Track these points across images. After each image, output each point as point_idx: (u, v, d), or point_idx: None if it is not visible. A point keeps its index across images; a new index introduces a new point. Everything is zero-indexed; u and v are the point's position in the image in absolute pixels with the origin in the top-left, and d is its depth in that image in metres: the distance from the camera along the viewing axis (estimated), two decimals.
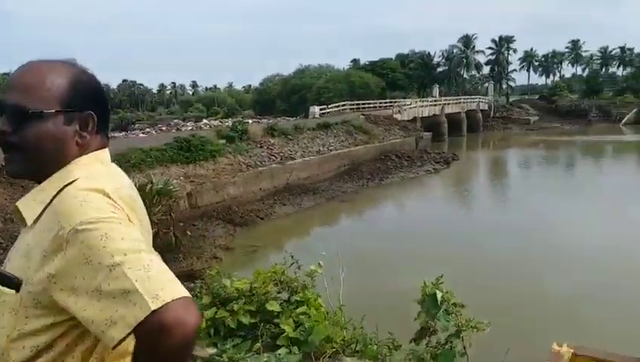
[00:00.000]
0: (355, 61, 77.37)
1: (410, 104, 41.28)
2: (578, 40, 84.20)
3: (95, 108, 1.14)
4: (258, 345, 3.10)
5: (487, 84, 70.86)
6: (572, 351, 2.36)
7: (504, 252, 12.24)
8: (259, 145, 21.33)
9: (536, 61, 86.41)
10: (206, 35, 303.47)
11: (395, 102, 41.57)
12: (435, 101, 46.11)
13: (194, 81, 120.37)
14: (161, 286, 0.94)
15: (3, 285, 1.04)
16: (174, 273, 1.00)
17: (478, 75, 77.20)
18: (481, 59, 74.72)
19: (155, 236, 1.12)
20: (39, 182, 1.10)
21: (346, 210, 18.36)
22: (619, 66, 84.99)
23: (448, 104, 46.15)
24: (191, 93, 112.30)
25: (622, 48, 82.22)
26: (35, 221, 1.07)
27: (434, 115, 42.28)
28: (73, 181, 1.07)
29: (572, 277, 10.27)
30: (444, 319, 2.75)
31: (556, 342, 2.44)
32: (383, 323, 3.46)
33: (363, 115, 32.58)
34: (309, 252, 5.05)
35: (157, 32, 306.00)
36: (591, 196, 19.14)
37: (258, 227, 15.60)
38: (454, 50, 71.19)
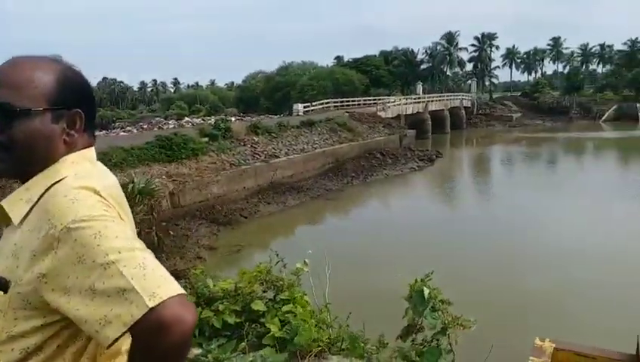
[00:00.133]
0: (338, 58, 77.61)
1: (394, 101, 41.50)
2: (559, 37, 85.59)
3: (82, 106, 1.11)
4: (244, 344, 3.09)
5: (470, 81, 71.67)
6: (554, 345, 2.41)
7: (488, 249, 12.39)
8: (242, 144, 21.21)
9: (518, 58, 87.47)
10: (187, 32, 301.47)
11: (379, 99, 41.71)
12: (419, 98, 46.41)
13: (175, 79, 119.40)
14: (157, 283, 0.92)
15: None
16: None
17: (461, 72, 77.94)
18: (464, 56, 75.56)
19: (138, 236, 1.11)
20: (24, 182, 1.08)
21: (331, 209, 18.38)
22: (599, 63, 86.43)
23: (432, 101, 46.45)
24: (172, 90, 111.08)
25: (601, 45, 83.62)
26: (22, 220, 1.04)
27: (418, 112, 42.52)
28: (61, 179, 1.05)
29: (554, 274, 10.42)
30: (430, 317, 2.76)
31: (538, 337, 2.48)
32: (368, 321, 3.47)
33: (347, 112, 32.65)
34: (294, 251, 5.04)
35: (138, 30, 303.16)
36: (573, 193, 19.41)
37: (242, 226, 15.53)
38: (437, 48, 71.75)
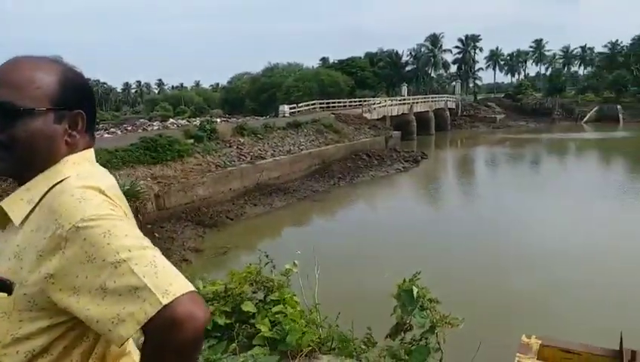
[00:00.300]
0: (324, 59, 77.60)
1: (380, 103, 41.64)
2: (541, 39, 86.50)
3: (84, 107, 1.12)
4: (234, 345, 3.09)
5: (454, 83, 72.20)
6: (540, 342, 2.46)
7: (473, 249, 12.49)
8: (228, 145, 21.13)
9: (501, 60, 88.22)
10: (172, 33, 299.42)
11: (365, 101, 41.82)
12: (404, 100, 46.65)
13: (160, 80, 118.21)
14: (169, 281, 0.93)
15: None
16: None
17: (445, 74, 78.51)
18: (449, 58, 76.09)
19: None
20: (23, 182, 1.07)
21: (318, 210, 18.40)
22: (580, 65, 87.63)
23: (417, 103, 46.73)
24: (157, 92, 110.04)
25: (582, 48, 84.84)
26: (23, 221, 1.03)
27: (403, 113, 42.76)
28: (63, 180, 1.05)
29: (538, 274, 10.55)
30: (419, 316, 2.80)
31: (525, 334, 2.53)
32: (357, 320, 3.50)
33: (333, 113, 32.71)
34: (282, 252, 5.06)
35: (121, 30, 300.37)
36: (556, 193, 19.67)
37: (228, 228, 15.48)
38: (422, 49, 72.17)
